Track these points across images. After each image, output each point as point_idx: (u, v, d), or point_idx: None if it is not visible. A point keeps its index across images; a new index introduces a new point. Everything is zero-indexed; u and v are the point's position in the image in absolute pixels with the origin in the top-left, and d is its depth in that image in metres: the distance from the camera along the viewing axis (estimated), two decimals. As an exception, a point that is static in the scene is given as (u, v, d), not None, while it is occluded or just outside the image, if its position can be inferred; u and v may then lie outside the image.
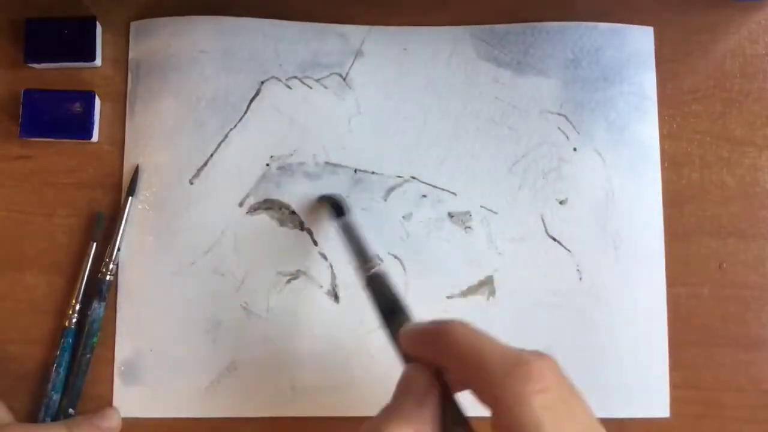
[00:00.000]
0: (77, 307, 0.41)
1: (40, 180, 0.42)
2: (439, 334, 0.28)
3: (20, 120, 0.41)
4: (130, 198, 0.41)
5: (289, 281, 0.42)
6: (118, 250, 0.41)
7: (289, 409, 0.41)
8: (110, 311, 0.41)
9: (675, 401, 0.41)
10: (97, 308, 0.41)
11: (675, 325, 0.42)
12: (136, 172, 0.42)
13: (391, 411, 0.27)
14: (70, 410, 0.40)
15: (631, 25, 0.44)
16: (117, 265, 0.41)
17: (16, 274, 0.42)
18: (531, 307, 0.42)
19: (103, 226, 0.42)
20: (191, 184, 0.42)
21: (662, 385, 0.41)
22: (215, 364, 0.41)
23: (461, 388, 0.29)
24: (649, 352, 0.42)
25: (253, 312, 0.41)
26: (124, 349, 0.41)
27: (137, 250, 0.42)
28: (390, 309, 0.33)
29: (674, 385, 0.41)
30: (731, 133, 0.43)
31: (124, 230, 0.41)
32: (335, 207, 0.40)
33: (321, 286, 0.42)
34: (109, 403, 0.41)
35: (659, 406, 0.41)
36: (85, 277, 0.41)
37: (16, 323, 0.41)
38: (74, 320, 0.40)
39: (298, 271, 0.42)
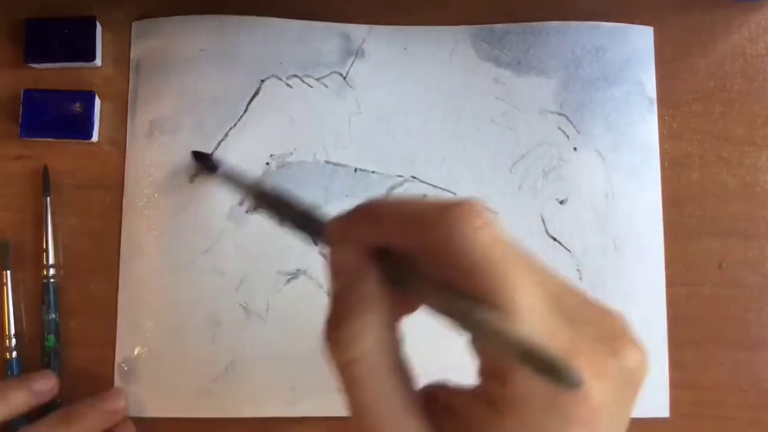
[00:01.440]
0: (13, 341, 0.40)
1: (40, 180, 0.42)
2: (370, 206, 0.25)
3: (20, 120, 0.41)
4: (47, 198, 0.41)
5: (288, 281, 0.42)
6: (45, 251, 0.41)
7: (289, 409, 0.41)
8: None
9: (675, 401, 0.41)
10: (45, 313, 0.40)
11: (675, 325, 0.42)
12: (45, 172, 0.42)
13: (333, 314, 0.25)
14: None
15: (631, 25, 0.44)
16: (58, 266, 0.41)
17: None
18: (531, 307, 0.42)
19: (8, 254, 0.41)
20: (191, 182, 0.42)
21: (662, 385, 0.41)
22: (215, 363, 0.41)
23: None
24: (649, 352, 0.41)
25: (252, 311, 0.41)
26: (123, 348, 0.41)
27: (137, 249, 0.42)
28: (304, 214, 0.29)
29: (674, 385, 0.41)
30: (731, 133, 0.43)
31: (52, 232, 0.41)
32: (208, 164, 0.41)
33: (321, 286, 0.42)
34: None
35: (659, 406, 0.41)
36: (11, 307, 0.41)
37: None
38: (14, 352, 0.40)
39: (298, 270, 0.42)
